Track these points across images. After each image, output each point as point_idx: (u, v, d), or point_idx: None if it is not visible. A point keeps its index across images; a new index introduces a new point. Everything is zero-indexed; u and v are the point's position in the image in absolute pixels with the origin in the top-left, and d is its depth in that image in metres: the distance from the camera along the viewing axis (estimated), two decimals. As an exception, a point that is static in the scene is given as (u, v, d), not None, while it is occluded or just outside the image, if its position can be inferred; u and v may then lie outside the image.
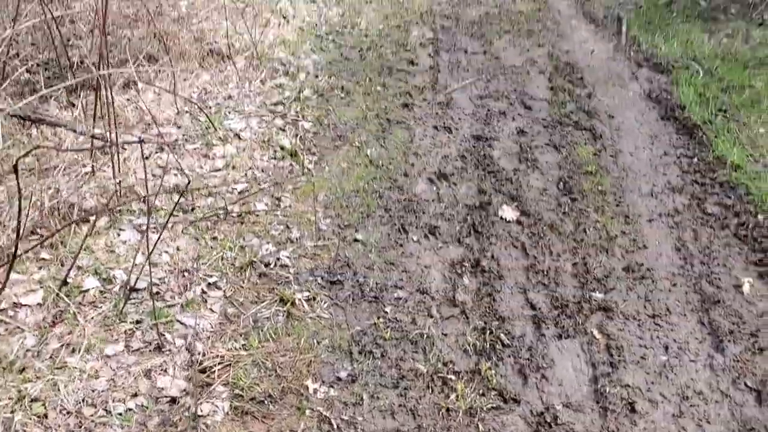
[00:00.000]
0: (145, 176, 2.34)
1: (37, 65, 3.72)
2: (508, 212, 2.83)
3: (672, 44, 4.32)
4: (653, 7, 5.00)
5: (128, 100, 3.51)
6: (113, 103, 2.59)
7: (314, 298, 2.39)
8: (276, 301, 2.38)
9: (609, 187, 2.99)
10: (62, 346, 2.10)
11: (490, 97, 3.85)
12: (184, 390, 2.00)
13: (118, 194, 2.65)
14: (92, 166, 2.82)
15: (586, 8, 5.17)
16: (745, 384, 2.05)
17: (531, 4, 5.31)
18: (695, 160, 3.15)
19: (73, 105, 3.34)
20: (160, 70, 3.84)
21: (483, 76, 4.13)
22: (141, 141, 2.21)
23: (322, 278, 2.48)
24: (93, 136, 2.66)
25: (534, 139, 3.40)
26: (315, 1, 5.52)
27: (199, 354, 2.12)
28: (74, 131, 2.91)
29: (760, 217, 2.71)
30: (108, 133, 2.62)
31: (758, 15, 4.57)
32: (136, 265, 2.30)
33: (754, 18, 4.55)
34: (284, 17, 5.07)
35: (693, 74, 3.89)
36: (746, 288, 2.39)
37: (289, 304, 2.36)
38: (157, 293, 2.33)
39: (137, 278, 2.31)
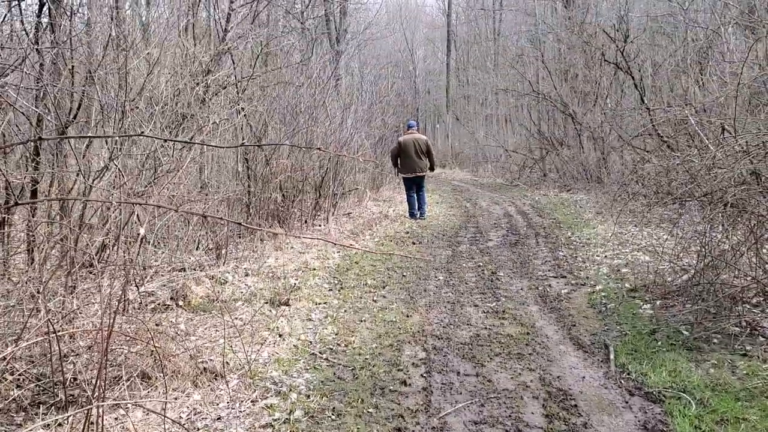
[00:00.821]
0: None
1: (29, 380, 3.70)
2: None
3: (661, 373, 4.38)
4: (638, 335, 5.19)
5: (116, 419, 3.42)
6: (103, 429, 2.52)
7: None
8: None
9: None
10: None
11: (485, 423, 3.78)
12: None
13: None
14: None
15: (572, 333, 5.35)
16: None
17: (519, 327, 5.51)
18: (704, 501, 2.99)
19: (60, 425, 3.24)
20: (152, 388, 3.82)
21: (476, 399, 4.11)
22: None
23: None
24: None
25: (533, 472, 3.26)
26: (311, 319, 5.73)
27: None
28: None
29: None
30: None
31: (740, 345, 4.72)
32: None
33: (737, 348, 4.70)
34: (280, 335, 5.21)
35: (686, 405, 3.88)
36: None
37: None
38: None
39: None
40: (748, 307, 5.41)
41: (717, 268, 5.59)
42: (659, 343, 4.99)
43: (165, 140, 3.28)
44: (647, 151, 11.40)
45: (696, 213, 6.25)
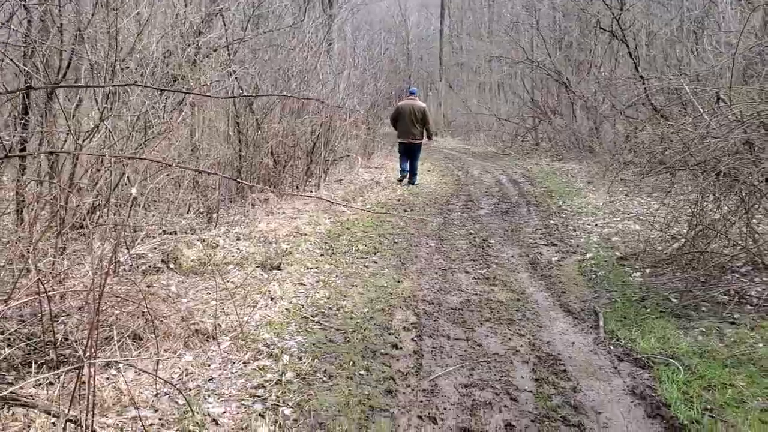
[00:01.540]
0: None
1: (19, 340, 3.69)
2: None
3: (649, 340, 4.43)
4: (627, 302, 5.23)
5: (107, 379, 3.43)
6: (95, 389, 2.52)
7: None
8: None
9: (604, 492, 2.83)
10: None
11: (475, 386, 3.81)
12: None
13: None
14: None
15: (562, 300, 5.39)
16: None
17: (509, 294, 5.54)
18: (689, 463, 3.04)
19: (51, 383, 3.24)
20: (143, 348, 3.83)
21: (466, 363, 4.15)
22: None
23: None
24: (68, 420, 2.54)
25: (522, 434, 3.30)
26: (303, 284, 5.73)
27: None
28: (48, 413, 2.78)
29: None
30: (84, 418, 2.51)
31: (728, 314, 4.77)
32: None
33: (725, 316, 4.75)
34: (272, 298, 5.21)
35: (674, 371, 3.93)
36: None
37: None
38: None
39: None
40: (737, 275, 5.46)
41: (707, 237, 5.63)
42: (648, 310, 5.03)
43: (161, 90, 3.23)
44: (640, 121, 11.39)
45: (688, 182, 6.26)
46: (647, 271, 5.98)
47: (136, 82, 4.71)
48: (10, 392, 2.63)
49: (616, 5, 13.11)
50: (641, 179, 7.40)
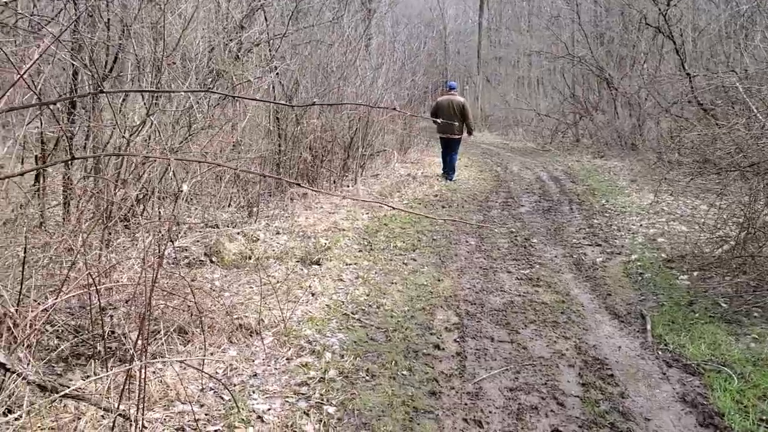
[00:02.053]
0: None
1: (68, 332, 3.74)
2: None
3: (699, 345, 4.31)
4: (675, 306, 5.10)
5: (153, 373, 3.45)
6: (146, 386, 2.53)
7: None
8: None
9: (657, 504, 2.75)
10: None
11: (520, 390, 3.75)
12: None
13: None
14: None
15: (608, 303, 5.28)
16: None
17: (554, 295, 5.45)
18: (745, 476, 2.94)
19: (100, 377, 3.28)
20: (188, 343, 3.85)
21: (511, 366, 4.09)
22: None
23: None
24: (120, 415, 2.56)
25: (570, 440, 3.24)
26: (342, 280, 5.72)
27: None
28: (98, 407, 2.81)
29: None
30: (134, 413, 2.53)
31: (782, 320, 4.62)
32: None
33: (778, 323, 4.60)
34: (312, 294, 5.21)
35: (726, 379, 3.81)
36: None
37: None
38: None
39: None
40: (791, 281, 5.28)
41: (758, 240, 5.46)
42: (697, 314, 4.90)
43: (207, 91, 3.21)
44: (686, 119, 11.11)
45: (738, 185, 6.07)
46: (695, 274, 5.83)
47: (179, 84, 4.73)
48: (73, 389, 2.66)
49: (663, 0, 12.80)
50: (689, 180, 7.21)
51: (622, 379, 3.92)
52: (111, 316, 3.97)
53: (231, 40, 8.05)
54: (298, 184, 3.39)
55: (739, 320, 4.75)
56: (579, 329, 4.71)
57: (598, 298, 5.42)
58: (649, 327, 4.68)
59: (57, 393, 2.60)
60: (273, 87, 9.33)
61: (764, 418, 3.39)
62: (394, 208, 5.36)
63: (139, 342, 2.78)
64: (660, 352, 4.31)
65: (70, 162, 4.42)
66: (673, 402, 3.65)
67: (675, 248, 6.72)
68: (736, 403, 3.55)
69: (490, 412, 3.51)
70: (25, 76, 2.44)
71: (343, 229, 7.61)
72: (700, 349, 4.27)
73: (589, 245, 7.21)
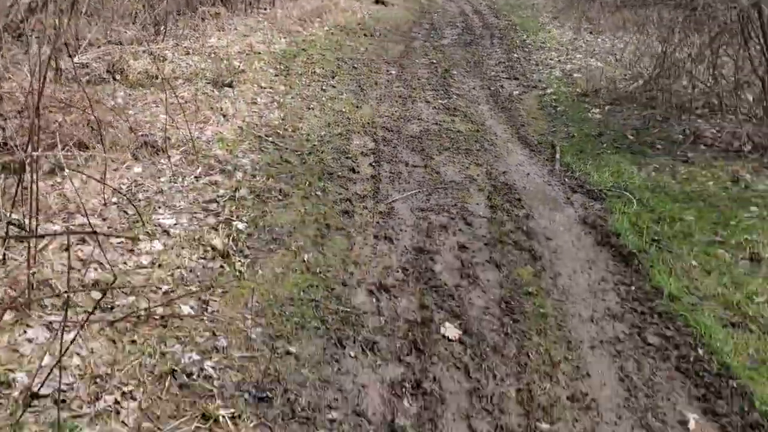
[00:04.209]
0: (69, 269, 2.11)
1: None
2: (451, 330, 2.71)
3: (603, 173, 4.47)
4: (584, 137, 5.23)
5: (52, 186, 3.28)
6: (38, 188, 2.38)
7: (240, 416, 2.16)
8: (197, 416, 2.14)
9: (550, 310, 2.93)
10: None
11: (431, 210, 3.82)
12: None
13: (31, 287, 2.39)
14: (3, 255, 2.55)
15: (521, 133, 5.35)
16: None
17: (469, 125, 5.46)
18: (633, 288, 3.16)
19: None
20: (90, 157, 3.65)
21: (424, 188, 4.13)
22: (69, 232, 2.01)
23: (249, 394, 2.26)
24: (10, 223, 2.42)
25: (475, 255, 3.36)
26: (257, 103, 5.51)
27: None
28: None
29: (700, 350, 2.69)
30: (27, 221, 2.40)
31: (682, 152, 4.82)
32: (42, 367, 2.03)
33: (678, 155, 4.80)
34: (224, 116, 5.01)
35: (625, 203, 4.00)
36: (692, 425, 2.32)
37: (211, 421, 2.12)
38: (64, 401, 2.05)
39: (42, 383, 2.03)
40: (695, 116, 5.47)
41: (671, 75, 5.56)
42: (604, 145, 5.05)
43: None
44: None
45: (657, 17, 6.06)
46: (607, 108, 5.95)
47: None
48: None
49: None
50: (614, 12, 7.15)
51: (528, 202, 4.05)
52: (2, 128, 3.69)
53: None
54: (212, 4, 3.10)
55: (643, 151, 4.93)
56: (491, 157, 4.78)
57: (511, 128, 5.47)
58: (557, 156, 4.80)
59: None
60: None
61: (656, 238, 3.60)
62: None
63: (29, 150, 2.58)
64: (566, 179, 4.45)
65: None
66: (575, 224, 3.81)
67: (590, 83, 6.79)
68: (632, 225, 3.74)
69: (401, 229, 3.57)
70: None
71: (259, 53, 7.23)
72: (604, 177, 4.43)
73: (507, 78, 7.19)
